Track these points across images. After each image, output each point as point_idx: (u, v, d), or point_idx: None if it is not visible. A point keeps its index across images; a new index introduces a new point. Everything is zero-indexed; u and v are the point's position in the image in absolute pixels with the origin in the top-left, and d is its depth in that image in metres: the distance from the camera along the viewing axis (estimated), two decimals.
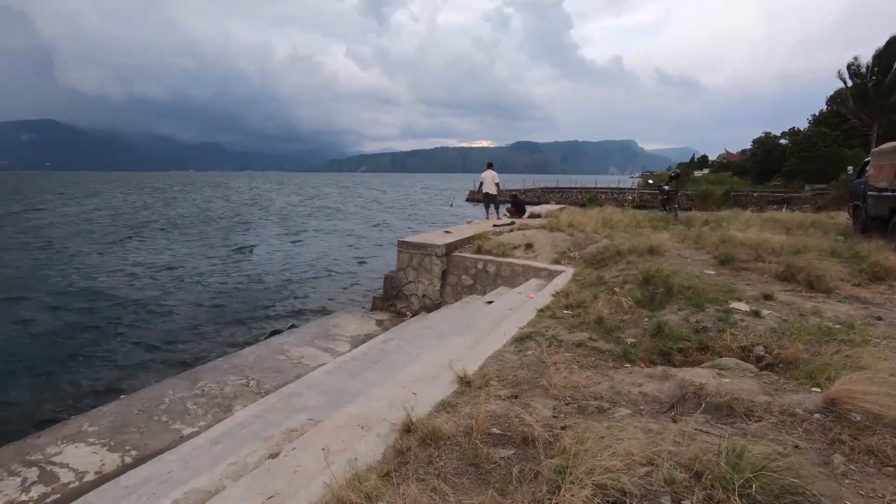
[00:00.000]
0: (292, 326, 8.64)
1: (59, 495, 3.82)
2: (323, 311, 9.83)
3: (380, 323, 8.23)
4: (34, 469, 4.12)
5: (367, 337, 7.43)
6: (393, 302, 8.84)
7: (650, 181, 25.81)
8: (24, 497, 3.79)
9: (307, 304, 10.62)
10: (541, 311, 4.70)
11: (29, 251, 16.85)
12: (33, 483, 3.95)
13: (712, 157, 79.00)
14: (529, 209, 14.57)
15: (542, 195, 42.21)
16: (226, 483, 2.81)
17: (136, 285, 12.01)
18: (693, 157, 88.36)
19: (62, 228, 23.67)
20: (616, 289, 5.03)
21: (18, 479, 3.98)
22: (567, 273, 6.61)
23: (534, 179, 61.33)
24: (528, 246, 8.40)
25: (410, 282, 8.61)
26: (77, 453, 4.35)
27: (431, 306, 8.30)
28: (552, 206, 17.83)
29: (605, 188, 44.66)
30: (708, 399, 2.49)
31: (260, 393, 5.52)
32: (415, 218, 31.36)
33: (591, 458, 1.80)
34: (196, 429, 4.76)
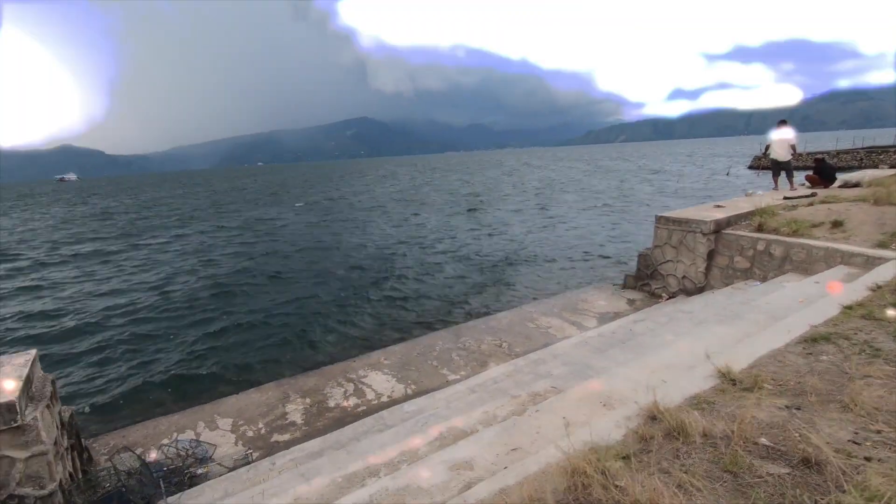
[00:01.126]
0: (541, 297, 9.02)
1: (364, 407, 5.06)
2: (572, 285, 9.93)
3: (631, 302, 7.82)
4: (351, 385, 5.55)
5: (616, 315, 7.18)
6: (647, 281, 8.24)
7: None
8: (344, 403, 5.18)
9: (557, 276, 10.91)
10: (848, 307, 3.66)
11: (371, 219, 22.28)
12: (350, 395, 5.34)
13: None
14: (842, 177, 11.24)
15: (867, 157, 32.03)
16: (478, 427, 3.21)
17: (423, 253, 14.57)
18: None
19: (377, 206, 30.31)
20: None
21: (342, 390, 5.45)
22: None
23: (854, 137, 46.95)
24: (836, 224, 6.56)
25: (668, 261, 7.84)
26: (377, 378, 5.66)
27: (692, 289, 7.41)
28: (882, 172, 13.32)
29: None
30: None
31: (510, 355, 6.02)
32: (681, 191, 27.98)
33: None
34: (458, 376, 5.55)
